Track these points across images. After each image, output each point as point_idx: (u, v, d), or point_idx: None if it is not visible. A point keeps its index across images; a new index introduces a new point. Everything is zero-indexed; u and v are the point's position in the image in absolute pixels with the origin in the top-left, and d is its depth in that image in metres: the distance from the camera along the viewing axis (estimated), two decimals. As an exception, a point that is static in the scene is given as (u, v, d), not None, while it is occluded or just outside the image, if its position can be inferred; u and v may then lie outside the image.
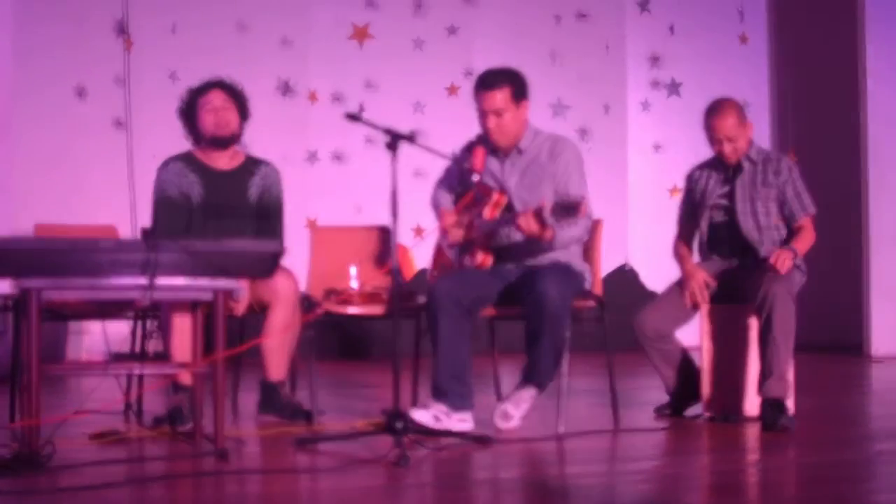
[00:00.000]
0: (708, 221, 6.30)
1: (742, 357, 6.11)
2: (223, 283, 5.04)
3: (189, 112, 6.17)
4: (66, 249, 4.86)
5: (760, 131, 10.51)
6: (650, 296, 8.87)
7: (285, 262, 5.50)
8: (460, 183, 6.11)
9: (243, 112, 6.22)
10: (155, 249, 4.89)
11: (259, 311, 6.02)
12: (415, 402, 6.29)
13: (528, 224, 5.58)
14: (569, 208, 5.41)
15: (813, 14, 11.59)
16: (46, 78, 9.89)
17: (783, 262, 5.89)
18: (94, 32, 10.04)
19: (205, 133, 6.14)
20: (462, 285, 5.76)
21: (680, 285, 6.23)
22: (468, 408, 5.72)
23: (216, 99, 6.12)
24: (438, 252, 6.21)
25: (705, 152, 6.40)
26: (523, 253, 5.90)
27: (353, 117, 5.45)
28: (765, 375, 5.84)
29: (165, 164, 6.19)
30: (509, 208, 5.92)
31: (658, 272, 8.47)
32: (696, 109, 6.52)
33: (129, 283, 4.92)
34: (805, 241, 6.13)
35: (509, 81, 5.91)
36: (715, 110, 6.23)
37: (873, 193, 10.36)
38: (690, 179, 6.46)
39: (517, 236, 5.80)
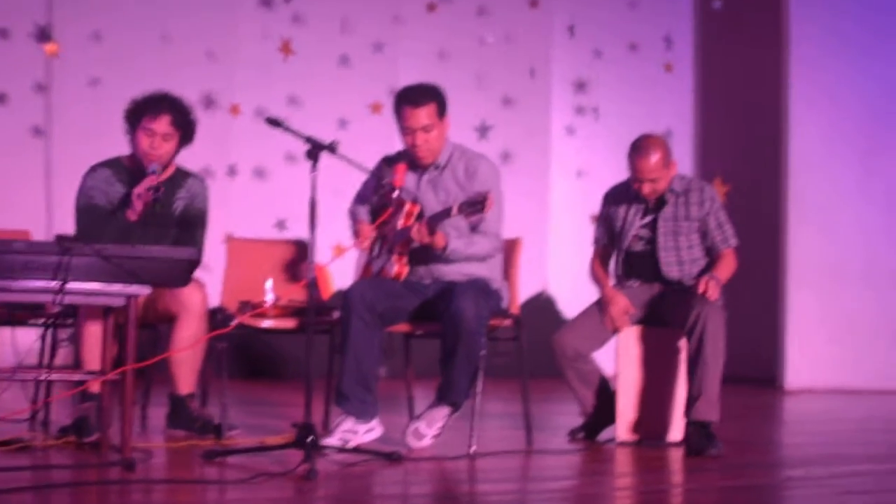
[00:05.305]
0: (626, 251, 6.28)
1: (659, 381, 6.12)
2: (135, 289, 4.96)
3: (132, 121, 5.98)
4: (-24, 250, 4.77)
5: (684, 161, 10.54)
6: (568, 321, 8.86)
7: (203, 276, 5.42)
8: (377, 197, 6.07)
9: (186, 138, 6.03)
10: (68, 252, 4.81)
11: (167, 322, 5.92)
12: (327, 420, 6.24)
13: (420, 234, 5.68)
14: (475, 203, 5.45)
15: (739, 44, 11.64)
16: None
17: (712, 289, 5.89)
18: (15, 38, 9.90)
19: (135, 152, 6.00)
20: (377, 292, 5.74)
21: (599, 306, 6.21)
22: (373, 416, 5.72)
23: (160, 127, 5.88)
24: (364, 269, 6.14)
25: (629, 178, 6.39)
26: (433, 258, 5.88)
27: (275, 123, 5.41)
28: (693, 397, 5.83)
29: (93, 169, 6.03)
30: (421, 217, 5.89)
31: (577, 299, 8.45)
32: (621, 136, 6.50)
33: (40, 285, 4.84)
34: (726, 269, 6.12)
35: (433, 97, 5.90)
36: (639, 149, 6.04)
37: (793, 226, 10.41)
38: (608, 201, 6.38)
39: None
